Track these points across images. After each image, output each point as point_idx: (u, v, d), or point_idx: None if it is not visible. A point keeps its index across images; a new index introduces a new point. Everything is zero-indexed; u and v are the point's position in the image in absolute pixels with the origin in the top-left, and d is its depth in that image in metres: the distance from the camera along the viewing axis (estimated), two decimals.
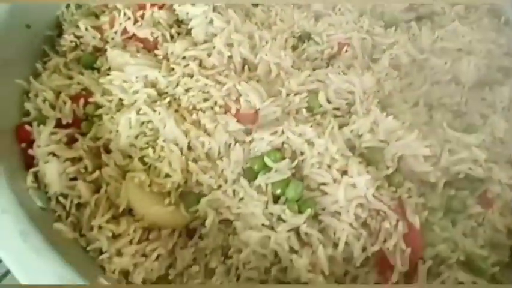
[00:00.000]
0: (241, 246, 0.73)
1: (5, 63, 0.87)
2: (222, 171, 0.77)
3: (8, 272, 0.86)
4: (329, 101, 0.83)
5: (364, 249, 0.71)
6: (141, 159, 0.79)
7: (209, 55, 0.89)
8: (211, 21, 0.92)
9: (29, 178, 0.78)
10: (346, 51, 0.94)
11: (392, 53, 0.94)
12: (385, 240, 0.71)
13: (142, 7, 0.93)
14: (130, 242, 0.75)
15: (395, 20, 1.02)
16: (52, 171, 0.78)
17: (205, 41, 0.92)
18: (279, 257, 0.72)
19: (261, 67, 0.88)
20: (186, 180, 0.78)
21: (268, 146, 0.77)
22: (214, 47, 0.89)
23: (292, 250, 0.71)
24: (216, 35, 0.91)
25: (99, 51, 0.95)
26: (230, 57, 0.89)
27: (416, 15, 1.05)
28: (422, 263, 0.72)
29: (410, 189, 0.77)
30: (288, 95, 0.84)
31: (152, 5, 0.93)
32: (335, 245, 0.71)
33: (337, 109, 0.83)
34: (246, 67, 0.88)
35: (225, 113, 0.82)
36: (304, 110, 0.83)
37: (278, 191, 0.73)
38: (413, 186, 0.77)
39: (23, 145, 0.82)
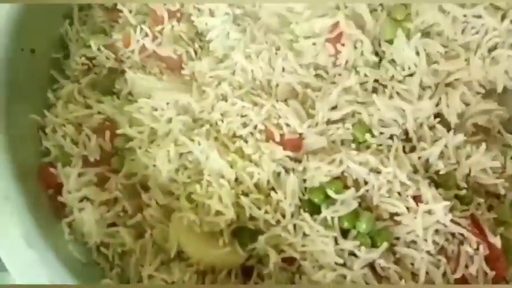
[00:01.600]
0: (311, 286, 0.67)
1: (16, 98, 0.78)
2: (277, 204, 0.71)
3: None
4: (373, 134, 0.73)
5: (443, 274, 0.67)
6: (187, 196, 0.72)
7: (233, 73, 0.79)
8: (228, 34, 0.81)
9: (66, 230, 0.70)
10: (343, 44, 0.76)
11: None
12: (467, 266, 0.66)
13: (159, 21, 0.84)
14: None
15: None
16: (90, 220, 0.70)
17: (225, 56, 0.82)
18: None
19: (283, 90, 0.78)
20: (238, 215, 0.71)
21: (327, 176, 0.70)
22: (236, 63, 0.79)
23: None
24: (233, 48, 0.81)
25: (114, 72, 0.86)
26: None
27: None
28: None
29: (479, 205, 0.72)
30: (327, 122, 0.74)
31: (170, 18, 0.84)
32: (413, 275, 0.67)
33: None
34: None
35: (267, 140, 0.74)
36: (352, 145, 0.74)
37: (345, 224, 0.68)
38: (482, 201, 0.72)
39: (50, 191, 0.74)
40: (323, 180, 0.70)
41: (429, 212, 0.66)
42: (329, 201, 0.69)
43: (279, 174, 0.73)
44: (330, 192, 0.68)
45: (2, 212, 0.66)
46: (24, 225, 0.66)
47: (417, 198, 0.67)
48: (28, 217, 0.67)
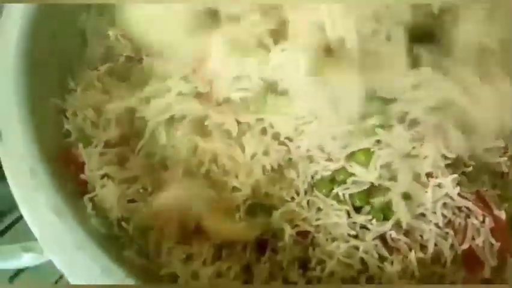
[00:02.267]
0: (324, 258, 0.70)
1: (37, 84, 0.81)
2: (291, 182, 0.74)
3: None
4: None
5: (450, 247, 0.70)
6: (206, 174, 0.75)
7: None
8: None
9: (89, 206, 0.73)
10: None
11: None
12: (473, 237, 0.69)
13: None
14: (204, 263, 0.72)
15: None
16: (111, 196, 0.73)
17: None
18: (366, 264, 0.69)
19: None
20: (253, 191, 0.74)
21: (328, 171, 0.73)
22: None
23: (382, 257, 0.68)
24: None
25: (132, 60, 0.90)
26: None
27: None
28: (510, 257, 0.70)
29: (484, 182, 0.75)
30: None
31: None
32: (422, 247, 0.70)
33: None
34: None
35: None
36: None
37: (357, 202, 0.71)
38: (486, 178, 0.75)
39: (73, 169, 0.77)
40: (325, 174, 0.73)
41: (439, 185, 0.69)
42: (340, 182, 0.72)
43: (290, 158, 0.76)
44: (339, 178, 0.72)
45: (30, 185, 0.68)
46: (51, 199, 0.68)
47: (428, 175, 0.71)
48: (54, 191, 0.69)
